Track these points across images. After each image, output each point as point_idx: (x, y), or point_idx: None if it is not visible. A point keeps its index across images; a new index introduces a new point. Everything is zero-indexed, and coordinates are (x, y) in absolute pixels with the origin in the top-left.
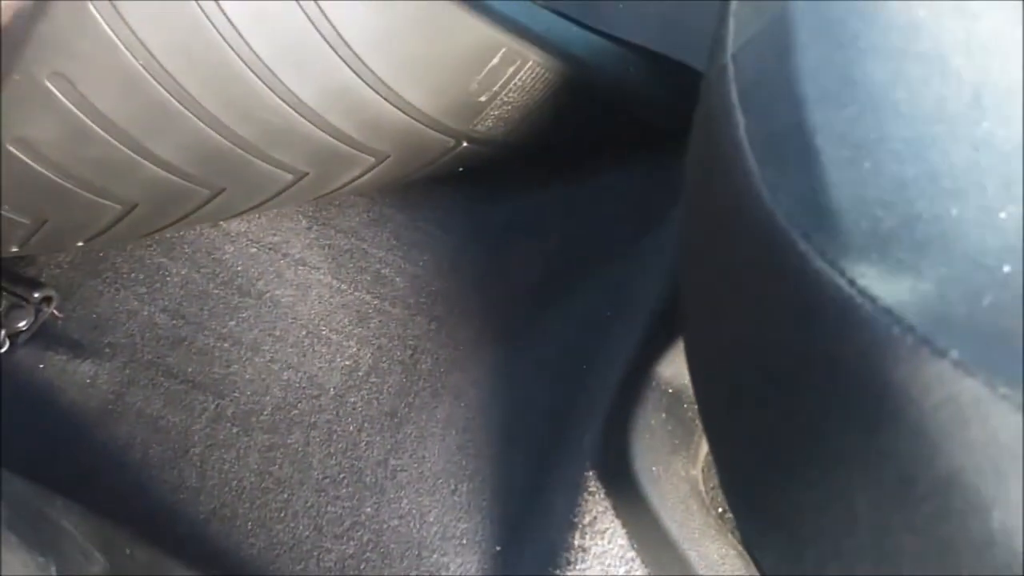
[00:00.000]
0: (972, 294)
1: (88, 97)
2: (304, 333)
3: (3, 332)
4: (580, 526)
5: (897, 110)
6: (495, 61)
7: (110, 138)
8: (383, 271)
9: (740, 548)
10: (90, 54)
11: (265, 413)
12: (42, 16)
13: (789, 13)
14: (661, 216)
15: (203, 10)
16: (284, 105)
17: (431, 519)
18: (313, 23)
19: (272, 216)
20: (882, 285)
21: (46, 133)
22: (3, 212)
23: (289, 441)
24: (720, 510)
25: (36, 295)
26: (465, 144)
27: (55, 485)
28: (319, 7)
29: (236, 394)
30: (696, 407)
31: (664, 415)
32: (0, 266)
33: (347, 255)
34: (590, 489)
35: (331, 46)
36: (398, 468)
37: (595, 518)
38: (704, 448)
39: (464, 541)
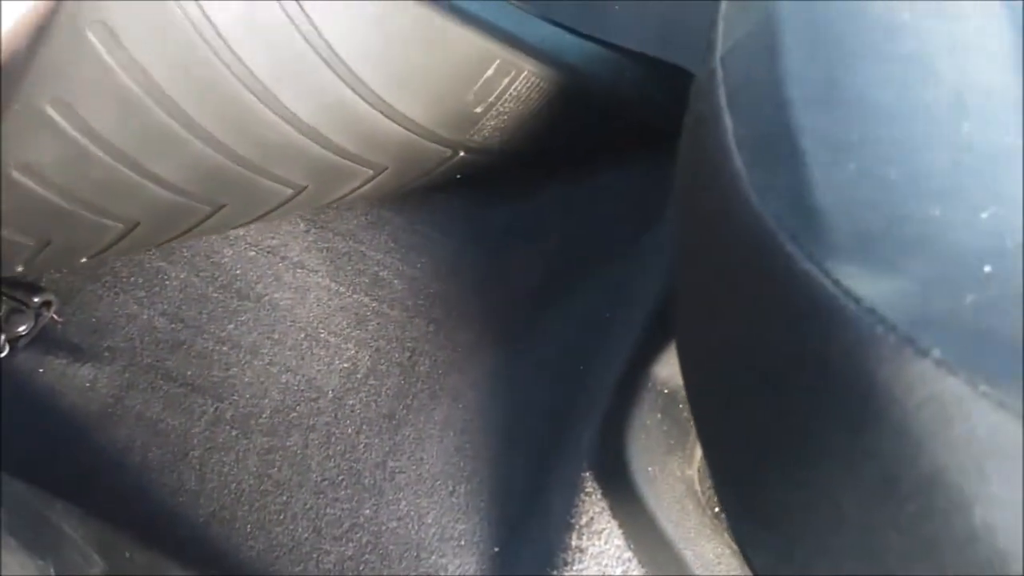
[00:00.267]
0: (954, 294)
1: (88, 121)
2: (303, 336)
3: (3, 336)
4: (577, 526)
5: (881, 112)
6: (490, 72)
7: (111, 160)
8: (381, 274)
9: (735, 547)
10: (89, 79)
11: (264, 416)
12: (40, 44)
13: (775, 16)
14: (660, 215)
15: (199, 31)
16: (282, 122)
17: (429, 520)
18: (308, 41)
19: (270, 220)
20: (866, 285)
21: (48, 157)
22: (8, 235)
23: (288, 444)
24: (716, 510)
25: (36, 299)
26: (462, 154)
27: (55, 488)
28: (313, 24)
29: (235, 397)
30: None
31: (660, 416)
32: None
33: (345, 258)
34: (587, 490)
35: (326, 62)
36: (396, 470)
37: (592, 518)
38: (699, 448)
39: (462, 542)
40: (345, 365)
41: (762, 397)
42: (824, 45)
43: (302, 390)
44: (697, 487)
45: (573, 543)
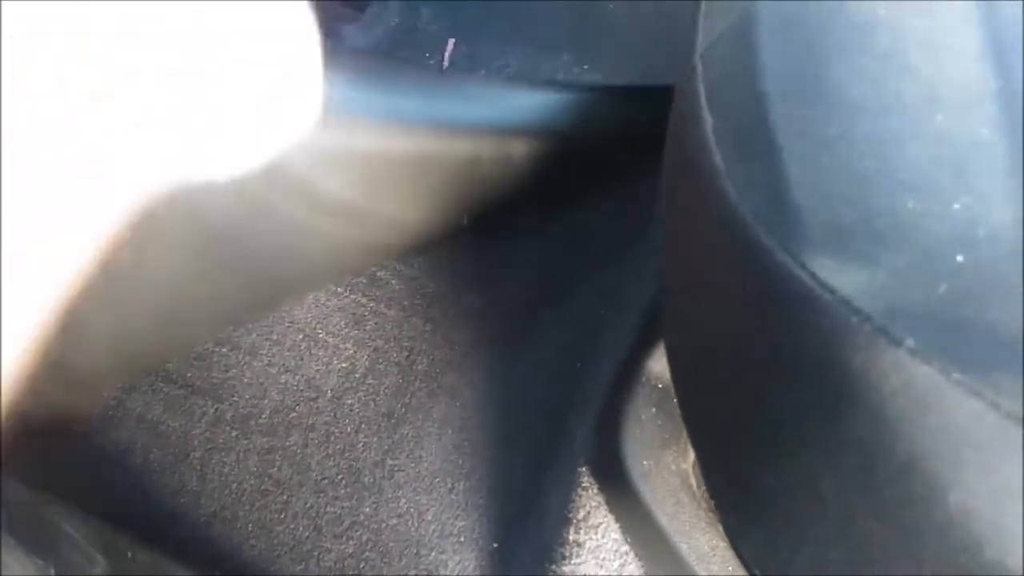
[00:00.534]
0: (927, 284)
1: None
2: (301, 337)
3: None
4: (575, 521)
5: (856, 106)
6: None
7: None
8: (378, 274)
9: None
10: None
11: (264, 416)
12: None
13: (752, 12)
14: (652, 218)
15: None
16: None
17: (429, 518)
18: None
19: None
20: (841, 277)
21: None
22: None
23: (288, 443)
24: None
25: None
26: None
27: (57, 490)
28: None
29: (235, 398)
30: None
31: (655, 410)
32: None
33: None
34: (584, 485)
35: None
36: (396, 468)
37: (589, 513)
38: None
39: (462, 539)
40: (343, 365)
41: (741, 388)
42: (801, 41)
43: (301, 390)
44: (692, 481)
45: (571, 538)
